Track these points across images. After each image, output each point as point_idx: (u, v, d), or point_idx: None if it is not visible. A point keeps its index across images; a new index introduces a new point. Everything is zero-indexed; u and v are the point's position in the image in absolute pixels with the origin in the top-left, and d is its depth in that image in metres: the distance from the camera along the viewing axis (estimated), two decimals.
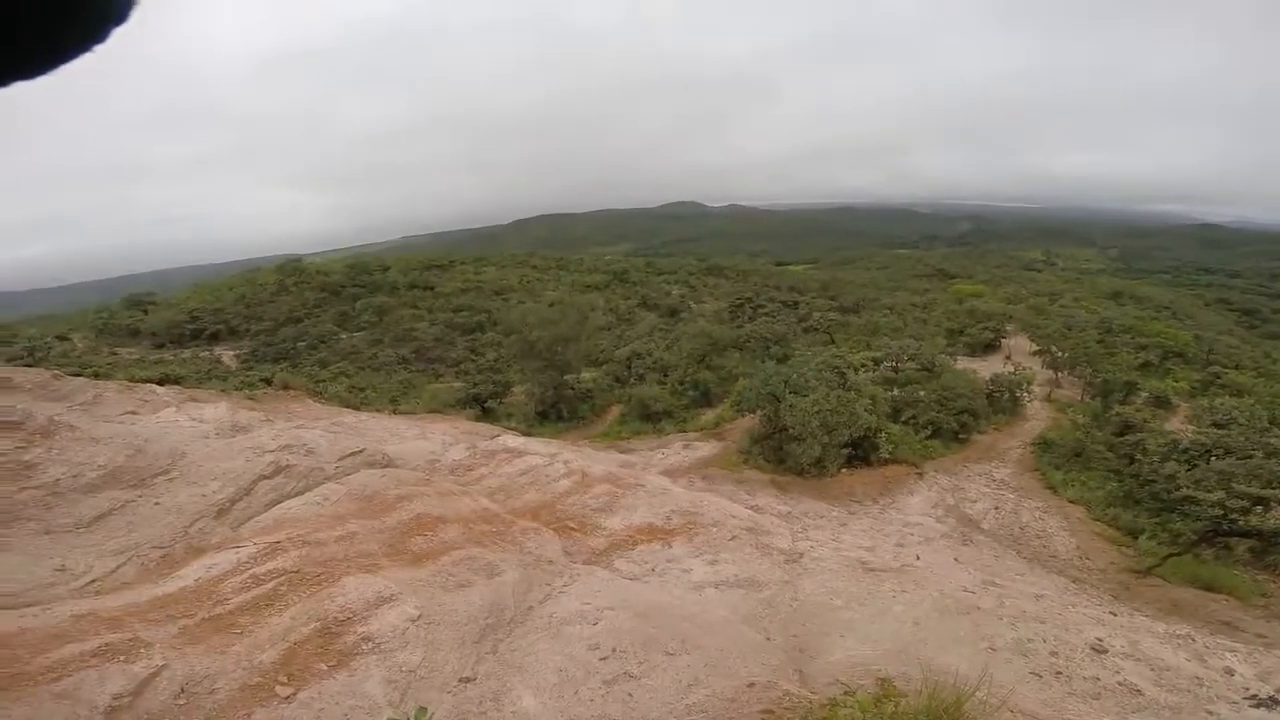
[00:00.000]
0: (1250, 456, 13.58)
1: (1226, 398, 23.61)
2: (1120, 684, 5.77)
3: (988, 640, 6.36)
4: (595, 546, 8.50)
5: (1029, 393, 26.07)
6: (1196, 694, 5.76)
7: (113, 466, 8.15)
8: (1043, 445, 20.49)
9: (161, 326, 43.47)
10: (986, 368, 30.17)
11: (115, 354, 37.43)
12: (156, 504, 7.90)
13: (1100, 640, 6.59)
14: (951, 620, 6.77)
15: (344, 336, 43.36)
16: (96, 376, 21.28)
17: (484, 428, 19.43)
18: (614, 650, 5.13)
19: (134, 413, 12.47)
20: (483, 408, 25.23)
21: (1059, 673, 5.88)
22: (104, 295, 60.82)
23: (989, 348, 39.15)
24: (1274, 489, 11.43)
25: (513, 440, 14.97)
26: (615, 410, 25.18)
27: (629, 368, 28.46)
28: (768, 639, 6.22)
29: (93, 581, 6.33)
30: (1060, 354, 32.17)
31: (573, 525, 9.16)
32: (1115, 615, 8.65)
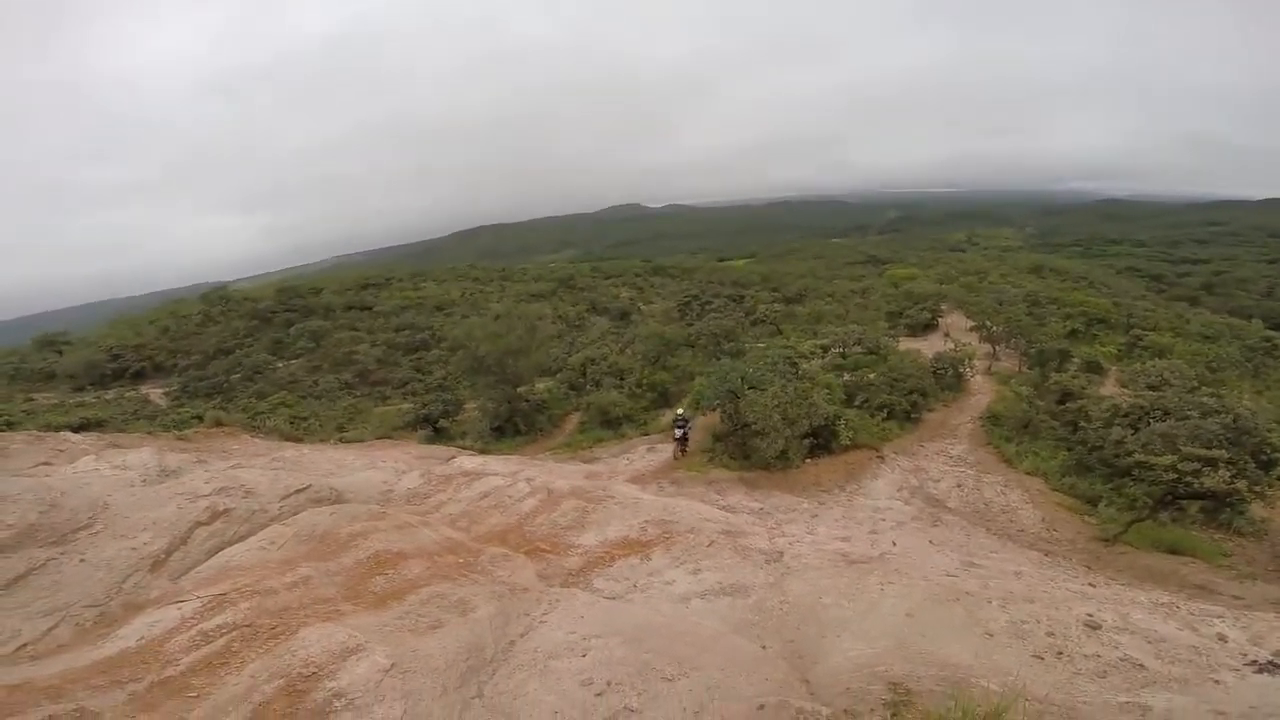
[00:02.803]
0: (1187, 417, 14.14)
1: (1154, 359, 24.83)
2: (1122, 659, 5.69)
3: (983, 626, 6.25)
4: (571, 567, 8.07)
5: (971, 368, 26.88)
6: (1198, 664, 5.71)
7: (25, 524, 7.40)
8: (992, 419, 21.04)
9: (79, 367, 40.53)
10: (928, 347, 31.07)
11: (31, 400, 34.74)
12: (82, 560, 7.24)
13: (1091, 616, 6.55)
14: (943, 608, 6.65)
15: (280, 365, 41.38)
16: (10, 426, 19.56)
17: (438, 450, 18.64)
18: (609, 683, 4.75)
19: (48, 464, 11.44)
20: (435, 428, 24.32)
21: (1060, 653, 5.77)
22: (15, 337, 55.93)
23: (928, 327, 40.46)
24: (1217, 449, 11.87)
25: (470, 461, 14.34)
26: (574, 419, 24.67)
27: (584, 374, 27.99)
28: (764, 648, 5.94)
29: (24, 646, 5.87)
30: (995, 328, 33.34)
31: (544, 546, 8.71)
32: (1095, 587, 8.74)
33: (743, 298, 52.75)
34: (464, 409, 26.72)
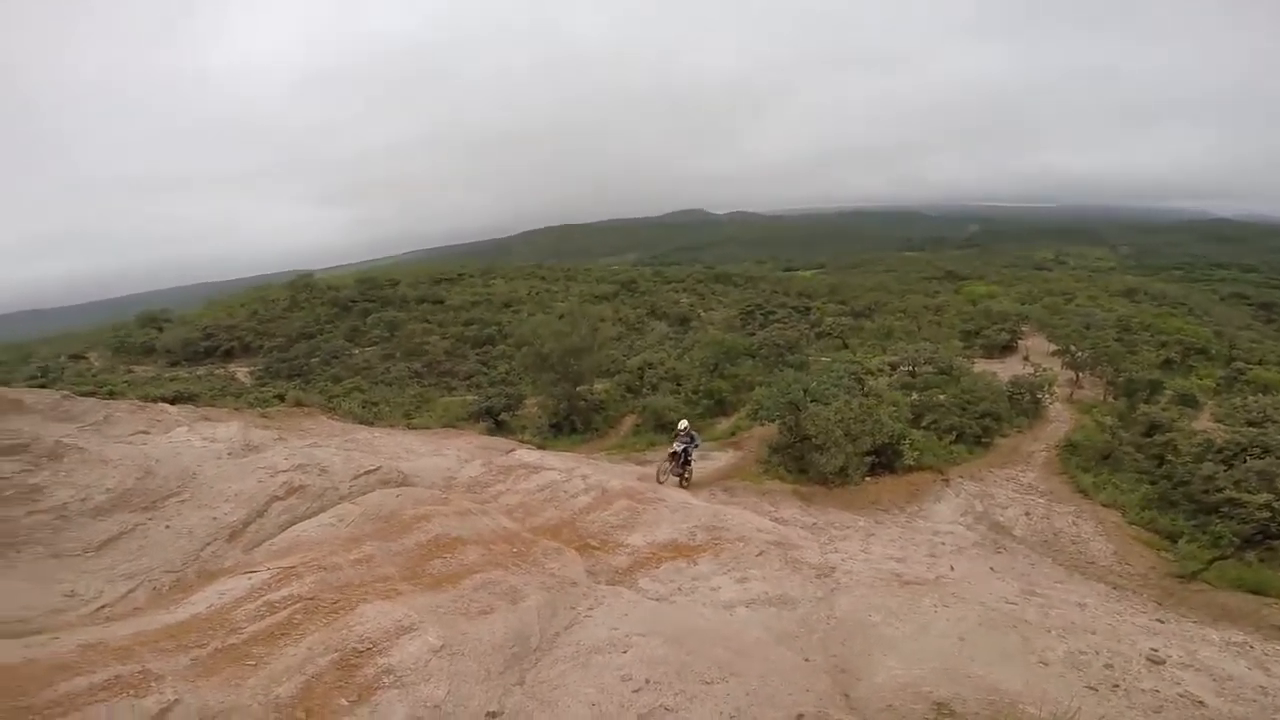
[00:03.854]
0: None
1: (1256, 395, 23.00)
2: (1181, 695, 5.46)
3: (1038, 654, 6.04)
4: (618, 565, 8.20)
5: (1050, 394, 25.56)
6: (1263, 704, 5.46)
7: (122, 489, 7.97)
8: (1069, 448, 19.94)
9: (176, 344, 43.58)
10: (1005, 369, 29.69)
11: (131, 372, 37.59)
12: (167, 527, 7.72)
13: (1156, 650, 6.26)
14: (998, 634, 6.44)
15: (356, 352, 43.36)
16: (111, 395, 21.17)
17: (499, 442, 19.18)
18: (648, 681, 4.83)
19: (145, 432, 12.29)
20: (496, 421, 24.97)
21: (1116, 686, 5.57)
22: (121, 313, 61.13)
23: (1006, 349, 38.58)
24: None
25: (529, 455, 14.70)
26: (629, 421, 24.85)
27: (641, 378, 28.14)
28: (807, 660, 5.90)
29: (103, 607, 6.20)
30: (1080, 353, 31.53)
31: (594, 543, 8.87)
32: (1164, 623, 8.25)
33: (808, 309, 51.76)
34: (524, 404, 27.33)
